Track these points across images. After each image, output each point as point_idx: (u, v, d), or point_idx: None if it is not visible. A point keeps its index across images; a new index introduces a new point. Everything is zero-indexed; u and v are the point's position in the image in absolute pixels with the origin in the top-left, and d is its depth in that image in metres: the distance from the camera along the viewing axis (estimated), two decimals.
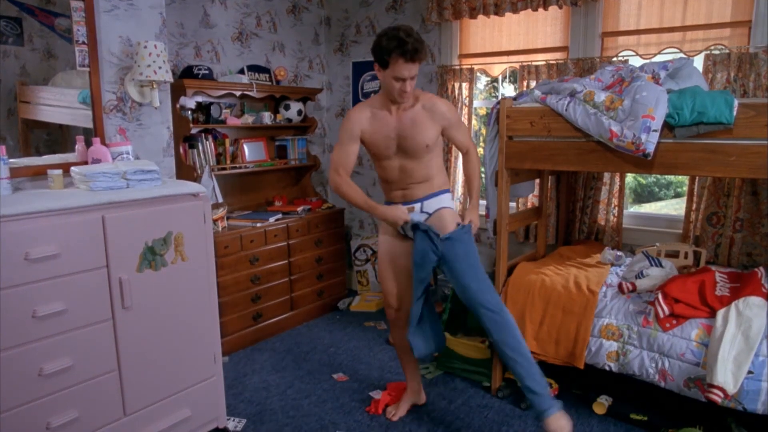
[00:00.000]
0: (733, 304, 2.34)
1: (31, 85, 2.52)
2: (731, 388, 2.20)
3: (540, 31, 3.73)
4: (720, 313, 2.35)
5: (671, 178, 4.11)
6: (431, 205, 2.56)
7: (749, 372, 2.21)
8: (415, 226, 2.49)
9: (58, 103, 2.63)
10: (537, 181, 3.44)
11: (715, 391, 2.23)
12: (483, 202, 3.96)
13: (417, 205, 2.56)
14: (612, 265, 3.09)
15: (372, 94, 4.50)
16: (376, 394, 3.01)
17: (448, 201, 2.62)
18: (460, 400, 2.97)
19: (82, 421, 2.11)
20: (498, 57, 3.92)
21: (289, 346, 3.71)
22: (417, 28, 4.16)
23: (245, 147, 3.98)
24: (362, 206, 2.55)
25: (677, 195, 4.14)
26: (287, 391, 3.10)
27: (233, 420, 2.79)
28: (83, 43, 2.56)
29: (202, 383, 2.54)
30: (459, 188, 4.14)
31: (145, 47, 2.63)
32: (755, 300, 2.33)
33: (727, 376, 2.21)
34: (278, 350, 3.65)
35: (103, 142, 2.61)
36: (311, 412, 2.87)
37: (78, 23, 2.53)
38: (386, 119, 2.47)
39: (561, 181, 3.53)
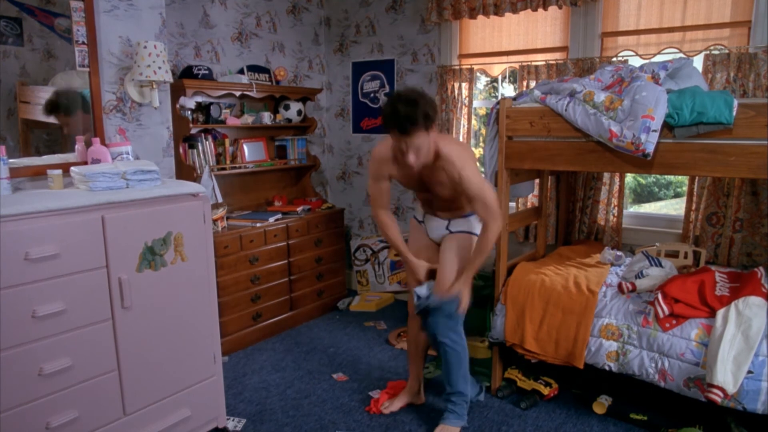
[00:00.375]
0: (732, 304, 2.34)
1: (31, 85, 2.52)
2: (731, 388, 2.20)
3: (540, 31, 3.73)
4: (720, 313, 2.35)
5: (671, 178, 4.11)
6: (457, 224, 2.67)
7: (749, 372, 2.21)
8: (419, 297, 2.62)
9: None
10: (537, 181, 3.44)
11: (715, 390, 2.23)
12: None
13: (445, 222, 2.68)
14: (612, 265, 3.09)
15: (372, 95, 4.55)
16: (376, 394, 3.01)
17: (468, 225, 2.67)
18: None
19: (81, 421, 2.11)
20: (498, 57, 3.92)
21: (288, 346, 3.71)
22: (417, 29, 4.23)
23: (245, 147, 3.98)
24: (394, 246, 2.73)
25: (677, 195, 4.15)
26: (287, 391, 3.10)
27: (233, 420, 2.79)
28: (83, 43, 2.56)
29: (201, 383, 2.54)
30: None
31: (145, 47, 2.63)
32: (755, 300, 2.33)
33: (726, 376, 2.21)
34: (278, 350, 3.65)
35: (102, 143, 2.61)
36: (311, 412, 2.87)
37: (78, 23, 2.53)
38: (412, 170, 2.47)
39: (561, 181, 3.53)
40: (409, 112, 2.19)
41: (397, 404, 2.87)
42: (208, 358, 2.56)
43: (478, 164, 2.59)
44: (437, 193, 2.56)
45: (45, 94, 2.57)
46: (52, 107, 2.57)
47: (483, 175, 2.52)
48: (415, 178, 2.54)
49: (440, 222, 2.70)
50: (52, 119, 2.61)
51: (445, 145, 2.43)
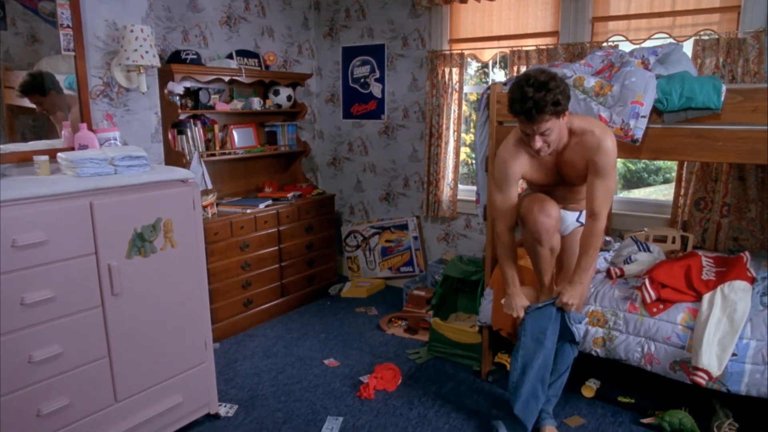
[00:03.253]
0: (718, 288, 2.37)
1: (16, 70, 2.47)
2: (716, 371, 2.24)
3: (530, 16, 3.72)
4: (706, 297, 2.38)
5: (660, 163, 4.13)
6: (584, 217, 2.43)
7: (733, 354, 2.24)
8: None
9: None
10: None
11: (700, 373, 2.27)
12: (473, 188, 3.97)
13: (575, 214, 2.47)
14: (601, 250, 3.11)
15: (362, 80, 4.52)
16: (367, 379, 3.03)
17: None
18: (451, 385, 3.00)
19: (73, 408, 2.11)
20: (488, 42, 3.90)
21: (280, 332, 3.72)
22: (407, 13, 4.20)
23: (234, 133, 3.95)
24: (503, 274, 2.47)
25: (666, 181, 4.17)
26: (278, 377, 3.11)
27: (225, 406, 2.81)
28: (68, 26, 2.52)
29: (193, 369, 2.54)
30: (449, 174, 4.15)
31: (132, 31, 2.60)
32: (740, 284, 2.36)
33: (711, 359, 2.24)
34: (269, 336, 3.66)
35: (90, 128, 2.58)
36: (302, 398, 2.89)
37: (62, 6, 2.49)
38: (544, 158, 2.28)
39: None
40: (539, 98, 2.01)
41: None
42: (200, 345, 2.56)
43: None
44: (568, 181, 2.34)
45: (30, 79, 2.53)
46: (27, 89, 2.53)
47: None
48: (551, 168, 2.30)
49: (571, 214, 2.47)
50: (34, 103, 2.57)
51: (578, 120, 2.24)
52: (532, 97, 2.01)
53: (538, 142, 2.13)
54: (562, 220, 2.48)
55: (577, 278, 2.31)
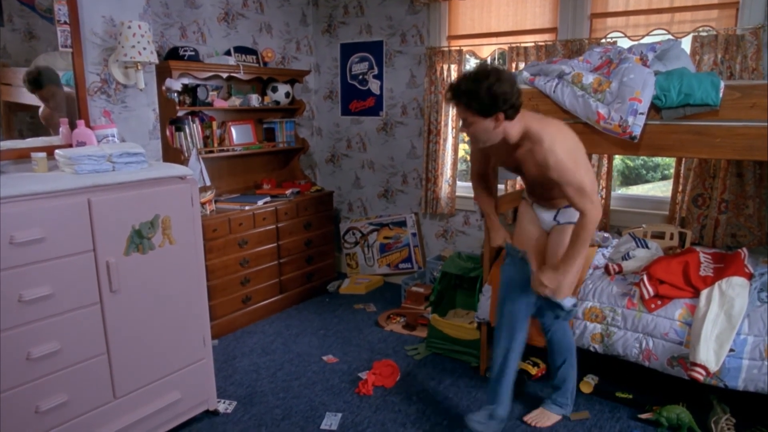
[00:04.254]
0: (716, 285, 2.38)
1: (13, 66, 2.47)
2: (713, 366, 2.25)
3: (529, 12, 3.72)
4: (703, 293, 2.39)
5: (659, 160, 4.13)
6: (566, 215, 2.43)
7: (731, 350, 2.25)
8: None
9: None
10: None
11: (698, 369, 2.27)
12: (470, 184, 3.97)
13: (552, 213, 2.46)
14: (599, 246, 3.11)
15: (361, 76, 4.52)
16: (366, 376, 3.03)
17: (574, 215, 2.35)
18: (449, 381, 3.01)
19: (71, 405, 2.12)
20: (487, 38, 3.90)
21: (278, 329, 3.72)
22: (405, 9, 4.19)
23: (233, 130, 3.94)
24: (485, 214, 2.70)
25: (664, 177, 4.17)
26: (277, 374, 3.12)
27: (223, 402, 2.81)
28: (65, 23, 2.51)
29: (192, 366, 2.54)
30: (447, 171, 4.15)
31: (129, 27, 2.59)
32: (738, 280, 2.37)
33: (709, 355, 2.25)
34: (268, 333, 3.66)
35: (87, 125, 2.58)
36: (301, 394, 2.90)
37: (59, 2, 2.47)
38: (503, 146, 2.26)
39: None
40: (458, 86, 2.08)
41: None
42: (198, 342, 2.56)
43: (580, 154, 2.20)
44: (530, 178, 2.35)
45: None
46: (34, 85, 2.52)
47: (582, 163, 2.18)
48: (511, 158, 2.30)
49: (548, 213, 2.48)
50: (35, 101, 2.56)
51: (538, 124, 2.17)
52: (458, 83, 2.09)
53: (466, 131, 2.18)
54: (541, 221, 2.51)
55: (562, 266, 2.27)
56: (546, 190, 2.38)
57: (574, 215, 2.27)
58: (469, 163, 2.58)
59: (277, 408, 2.77)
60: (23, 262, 1.93)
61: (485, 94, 2.03)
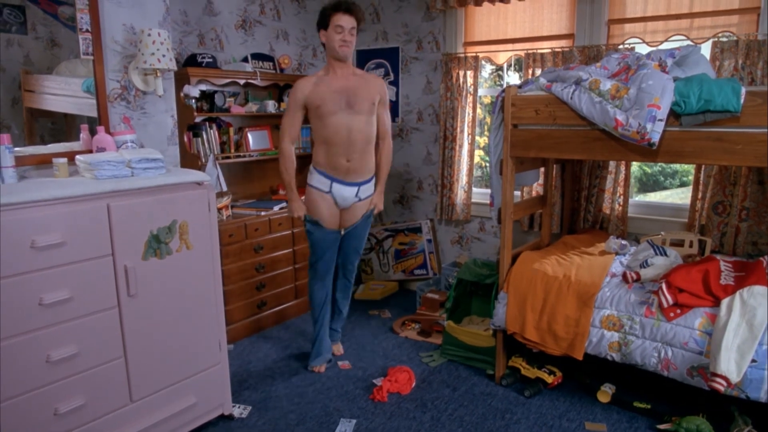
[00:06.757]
0: (737, 293, 2.34)
1: (35, 73, 2.52)
2: (734, 377, 2.20)
3: (545, 19, 3.70)
4: (724, 302, 2.35)
5: (677, 167, 4.08)
6: (366, 191, 3.02)
7: (753, 361, 2.21)
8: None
9: (63, 92, 2.63)
10: (542, 169, 3.42)
11: (719, 379, 2.23)
12: (487, 191, 3.96)
13: (354, 189, 2.97)
14: (616, 254, 3.08)
15: None
16: (380, 382, 3.02)
17: (372, 189, 3.08)
18: (464, 388, 2.99)
19: (88, 408, 2.14)
20: (503, 45, 3.89)
21: (293, 334, 3.73)
22: (422, 16, 4.20)
23: (249, 135, 3.97)
24: (285, 180, 3.04)
25: (683, 184, 4.12)
26: (292, 379, 3.12)
27: (238, 407, 2.82)
28: (87, 31, 2.56)
29: (207, 371, 2.56)
30: (463, 177, 4.13)
31: (149, 35, 2.63)
32: (760, 289, 2.32)
33: (730, 365, 2.21)
34: (283, 338, 3.67)
35: (107, 131, 2.61)
36: (316, 400, 2.90)
37: (81, 11, 2.53)
38: (332, 80, 2.87)
39: (566, 170, 3.52)
40: (355, 4, 2.86)
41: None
42: (214, 346, 2.58)
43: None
44: (358, 106, 2.86)
45: (49, 82, 2.57)
46: None
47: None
48: (338, 92, 2.84)
49: (350, 189, 2.96)
50: (57, 108, 2.61)
51: (376, 76, 3.11)
52: (351, 2, 2.85)
53: (348, 36, 2.80)
54: (343, 200, 2.98)
55: (380, 188, 3.11)
56: (366, 127, 2.91)
57: (370, 191, 3.03)
58: (290, 134, 3.00)
59: (291, 413, 2.78)
60: (44, 266, 1.95)
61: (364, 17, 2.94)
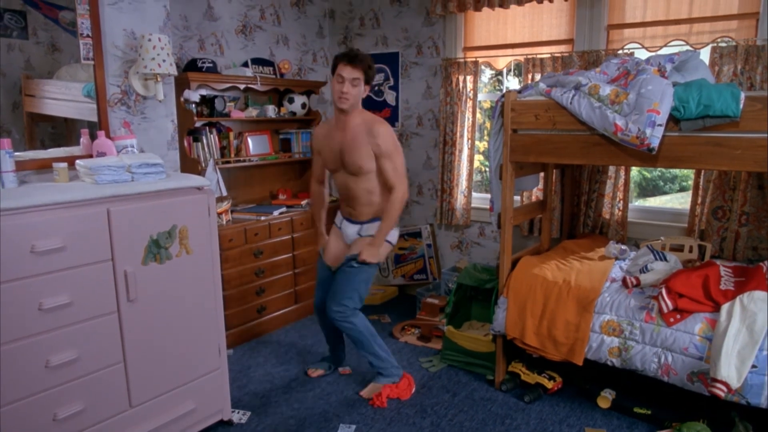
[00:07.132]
0: (737, 299, 2.34)
1: (36, 78, 2.52)
2: (735, 383, 2.20)
3: (545, 24, 3.71)
4: (724, 308, 2.34)
5: (676, 171, 4.09)
6: (369, 229, 2.92)
7: (753, 366, 2.21)
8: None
9: (63, 97, 2.63)
10: (541, 174, 3.43)
11: (719, 385, 2.23)
12: (487, 196, 3.96)
13: (357, 227, 2.95)
14: (616, 259, 3.08)
15: (376, 88, 4.54)
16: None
17: (375, 230, 2.91)
18: (464, 393, 2.98)
19: (88, 413, 2.13)
20: (503, 50, 3.90)
21: (293, 339, 3.72)
22: (421, 21, 4.21)
23: (249, 140, 3.98)
24: (312, 215, 3.23)
25: (682, 189, 4.13)
26: (291, 384, 3.11)
27: (238, 412, 2.81)
28: (87, 36, 2.56)
29: (206, 376, 2.55)
30: (463, 182, 4.14)
31: (149, 40, 2.63)
32: (760, 294, 2.32)
33: (730, 371, 2.21)
34: (282, 343, 3.67)
35: (107, 136, 2.62)
36: (315, 405, 2.89)
37: (82, 16, 2.53)
38: (335, 134, 2.84)
39: (566, 175, 3.52)
40: (362, 54, 2.75)
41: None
42: (213, 351, 2.57)
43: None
44: (350, 168, 2.80)
45: (50, 87, 2.57)
46: None
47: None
48: (336, 150, 2.83)
49: (353, 227, 2.96)
50: (58, 113, 2.61)
51: (381, 126, 2.77)
52: (355, 51, 2.75)
53: (347, 87, 2.70)
54: (347, 236, 3.00)
55: (378, 241, 2.86)
56: (359, 186, 2.83)
57: (373, 229, 2.88)
58: (314, 174, 3.13)
59: (291, 419, 2.77)
60: (44, 270, 1.95)
61: (373, 67, 2.79)
